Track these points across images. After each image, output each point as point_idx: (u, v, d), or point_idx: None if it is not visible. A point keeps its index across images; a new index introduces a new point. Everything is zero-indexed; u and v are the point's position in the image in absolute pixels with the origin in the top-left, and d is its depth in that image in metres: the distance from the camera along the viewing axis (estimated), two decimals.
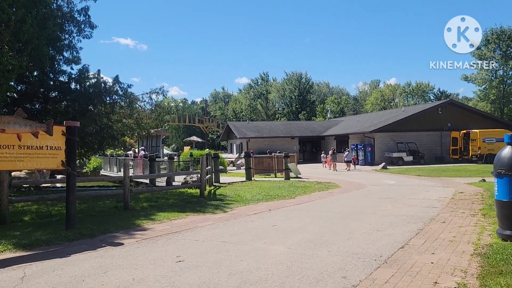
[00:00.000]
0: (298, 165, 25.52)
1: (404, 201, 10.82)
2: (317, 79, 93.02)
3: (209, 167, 16.57)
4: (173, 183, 17.27)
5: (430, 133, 33.59)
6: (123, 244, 6.38)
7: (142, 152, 25.45)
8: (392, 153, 31.45)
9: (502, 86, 45.46)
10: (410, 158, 31.26)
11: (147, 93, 16.26)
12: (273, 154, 24.22)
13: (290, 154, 22.24)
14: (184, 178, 16.73)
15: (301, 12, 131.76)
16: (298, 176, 21.23)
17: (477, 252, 5.18)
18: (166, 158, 26.05)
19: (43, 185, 18.42)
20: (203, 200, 11.84)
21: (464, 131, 30.99)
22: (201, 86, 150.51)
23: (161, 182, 18.89)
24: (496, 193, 5.80)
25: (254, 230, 7.26)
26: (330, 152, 29.60)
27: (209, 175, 16.39)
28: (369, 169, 27.49)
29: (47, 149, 6.97)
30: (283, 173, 20.44)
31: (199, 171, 13.52)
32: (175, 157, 25.71)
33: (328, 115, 63.08)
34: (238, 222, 8.22)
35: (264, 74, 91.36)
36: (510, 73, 44.73)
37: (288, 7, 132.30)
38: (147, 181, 20.26)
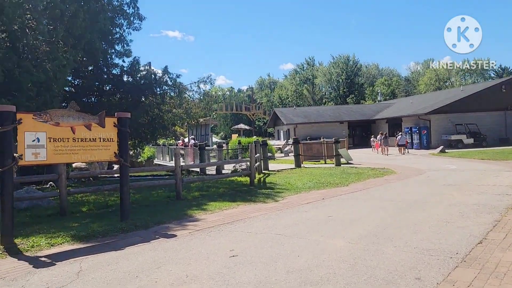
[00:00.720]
0: (348, 150, 24.67)
1: (471, 188, 9.91)
2: (365, 61, 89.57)
3: (257, 154, 16.34)
4: (223, 172, 17.28)
5: (493, 113, 31.07)
6: (176, 236, 6.28)
7: (192, 141, 25.78)
8: (451, 136, 29.48)
9: None
10: (471, 140, 29.14)
11: (195, 83, 16.32)
12: (322, 139, 23.55)
13: (340, 139, 21.46)
14: (233, 166, 16.65)
15: None
16: (349, 162, 20.46)
17: None
18: (215, 146, 26.23)
19: (101, 175, 19.19)
20: (253, 189, 11.62)
21: None
22: (247, 74, 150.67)
23: (211, 170, 18.99)
24: None
25: (309, 221, 6.88)
26: (379, 136, 28.62)
27: (258, 163, 16.17)
28: (426, 153, 25.96)
29: (100, 141, 7.00)
30: (333, 159, 19.79)
31: (248, 159, 13.31)
32: (223, 145, 25.77)
33: (379, 98, 60.52)
34: (291, 212, 7.88)
35: (310, 59, 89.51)
36: None
37: None
38: (198, 169, 20.49)
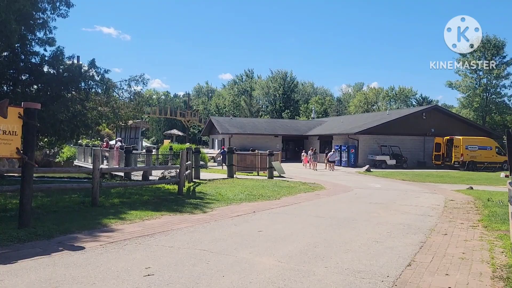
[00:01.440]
0: (281, 164, 24.82)
1: (396, 208, 10.18)
2: (302, 79, 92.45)
3: (189, 162, 15.63)
4: (150, 178, 16.27)
5: (414, 138, 33.43)
6: (84, 248, 5.44)
7: (119, 143, 24.20)
8: (376, 156, 31.12)
9: (485, 94, 45.91)
10: (393, 161, 30.99)
11: (125, 80, 15.17)
12: (256, 151, 23.43)
13: (274, 152, 21.47)
14: (162, 173, 15.73)
15: (286, 10, 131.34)
16: (282, 175, 20.49)
17: (497, 275, 4.48)
18: (144, 150, 24.89)
19: (8, 173, 17.07)
20: (181, 198, 10.91)
21: (448, 137, 30.88)
22: (184, 80, 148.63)
23: (137, 176, 17.83)
24: None
25: (238, 236, 6.42)
26: (310, 151, 30.00)
27: (188, 171, 15.46)
28: (353, 171, 27.03)
29: (0, 133, 5.94)
30: (266, 171, 19.68)
31: (178, 166, 12.58)
32: (153, 150, 24.54)
33: (312, 115, 62.67)
34: (220, 225, 7.36)
35: (249, 71, 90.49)
36: (494, 82, 45.21)
37: (274, 5, 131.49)
38: (122, 174, 19.14)
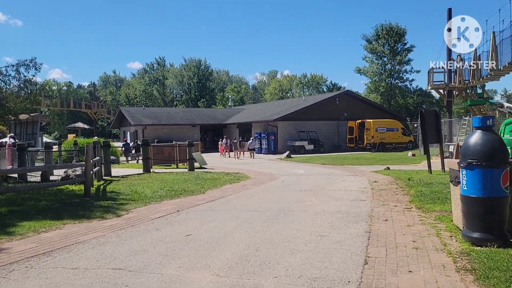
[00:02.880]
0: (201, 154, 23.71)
1: (327, 194, 9.85)
2: (216, 67, 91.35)
3: (97, 157, 13.80)
4: (52, 178, 14.10)
5: (329, 122, 34.61)
6: None
7: (12, 140, 20.89)
8: (295, 142, 31.55)
9: (390, 79, 49.52)
10: (311, 146, 31.72)
11: (12, 66, 12.77)
12: (174, 142, 21.98)
13: (194, 142, 20.27)
14: (65, 172, 13.66)
15: None
16: (203, 166, 19.45)
17: (460, 266, 4.08)
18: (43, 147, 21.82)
19: None
20: (88, 201, 9.31)
21: (359, 120, 32.49)
22: (88, 70, 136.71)
23: (35, 176, 15.37)
24: (464, 188, 4.83)
25: (162, 244, 5.32)
26: (224, 140, 30.41)
27: (97, 168, 13.65)
28: (274, 158, 26.97)
29: None
30: (186, 163, 18.46)
31: (84, 163, 10.83)
32: (53, 146, 21.66)
33: (229, 103, 62.04)
34: (138, 231, 6.17)
35: (161, 59, 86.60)
36: (397, 67, 48.94)
37: None
38: (16, 175, 16.40)
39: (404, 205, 7.91)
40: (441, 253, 4.54)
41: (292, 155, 27.59)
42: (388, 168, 16.57)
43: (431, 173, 13.94)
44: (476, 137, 4.75)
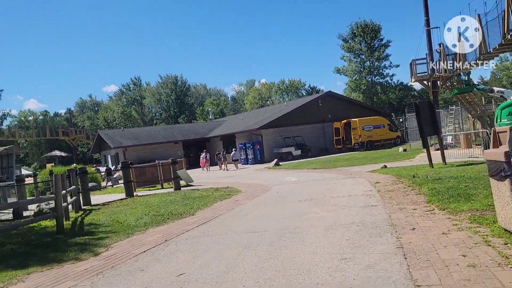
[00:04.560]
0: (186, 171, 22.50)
1: (330, 202, 8.85)
2: (193, 82, 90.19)
3: (73, 187, 12.52)
4: (27, 214, 12.71)
5: (314, 126, 33.82)
6: None
7: None
8: (281, 149, 30.61)
9: (370, 76, 49.31)
10: (299, 152, 30.82)
11: None
12: (156, 162, 20.72)
13: (177, 159, 19.07)
14: (38, 206, 12.29)
15: (162, 14, 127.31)
16: (189, 184, 18.25)
17: None
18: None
19: None
20: (61, 238, 8.05)
21: (345, 121, 31.81)
22: (64, 97, 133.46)
23: (7, 214, 13.91)
24: None
25: None
26: (203, 154, 30.09)
27: (74, 198, 12.37)
28: (262, 167, 25.92)
29: None
30: (171, 183, 17.23)
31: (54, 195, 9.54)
32: (26, 178, 20.14)
33: (210, 117, 60.85)
34: (119, 275, 5.01)
35: (136, 79, 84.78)
36: (376, 64, 48.76)
37: (145, 11, 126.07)
38: None
39: (423, 207, 6.96)
40: (508, 270, 3.56)
41: (280, 163, 26.59)
42: (385, 166, 15.72)
43: (432, 167, 13.15)
44: None
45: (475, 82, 24.75)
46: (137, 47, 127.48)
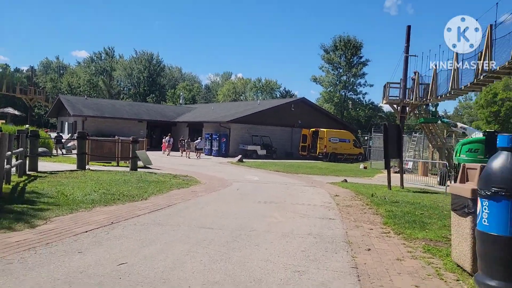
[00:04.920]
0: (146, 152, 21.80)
1: (290, 208, 8.71)
2: (169, 63, 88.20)
3: (21, 148, 11.66)
4: None
5: (283, 129, 33.90)
6: None
7: None
8: (247, 146, 30.42)
9: (344, 91, 50.09)
10: (264, 152, 30.76)
11: None
12: (116, 137, 19.90)
13: (139, 139, 18.38)
14: None
15: None
16: (147, 166, 17.65)
17: None
18: None
19: None
20: None
21: (313, 129, 32.07)
22: (29, 54, 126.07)
23: None
24: (485, 222, 3.84)
25: (82, 279, 3.81)
26: (167, 138, 30.01)
27: (20, 161, 11.54)
28: (225, 161, 25.61)
29: None
30: (128, 161, 16.57)
31: (10, 153, 8.79)
32: None
33: (180, 101, 59.60)
34: (53, 254, 4.56)
35: (109, 49, 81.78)
36: (352, 79, 49.60)
37: None
38: None
39: (380, 228, 6.94)
40: None
41: (244, 159, 26.38)
42: (346, 181, 15.88)
43: (390, 189, 13.40)
44: (504, 161, 3.79)
45: (440, 115, 25.70)
46: (116, 18, 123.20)
